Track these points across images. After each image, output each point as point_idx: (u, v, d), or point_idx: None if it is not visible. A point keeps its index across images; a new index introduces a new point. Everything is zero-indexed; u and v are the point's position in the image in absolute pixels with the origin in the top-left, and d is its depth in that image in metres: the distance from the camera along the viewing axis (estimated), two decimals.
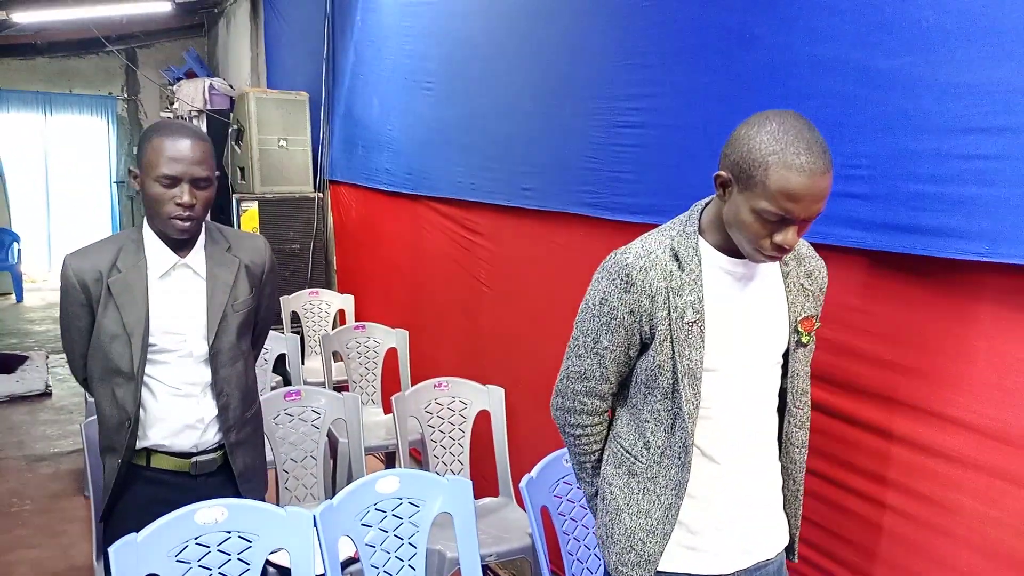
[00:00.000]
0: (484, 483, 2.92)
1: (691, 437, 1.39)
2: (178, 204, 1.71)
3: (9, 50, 8.05)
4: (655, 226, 2.18)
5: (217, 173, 1.80)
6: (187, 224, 1.74)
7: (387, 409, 3.70)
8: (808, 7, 1.68)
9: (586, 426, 1.53)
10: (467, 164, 3.23)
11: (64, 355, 1.98)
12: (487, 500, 2.82)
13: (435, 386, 2.88)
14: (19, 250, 8.48)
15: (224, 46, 7.63)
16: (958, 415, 1.49)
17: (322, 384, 3.62)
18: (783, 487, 1.52)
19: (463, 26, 3.22)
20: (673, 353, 1.37)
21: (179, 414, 1.81)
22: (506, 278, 3.10)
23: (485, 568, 2.76)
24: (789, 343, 1.44)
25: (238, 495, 1.87)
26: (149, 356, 1.78)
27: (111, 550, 1.62)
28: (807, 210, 1.24)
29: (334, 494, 2.88)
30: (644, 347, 1.42)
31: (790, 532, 1.54)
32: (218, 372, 1.83)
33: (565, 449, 2.19)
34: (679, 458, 1.40)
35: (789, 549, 1.56)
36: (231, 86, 6.11)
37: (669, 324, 1.36)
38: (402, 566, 1.99)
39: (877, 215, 1.56)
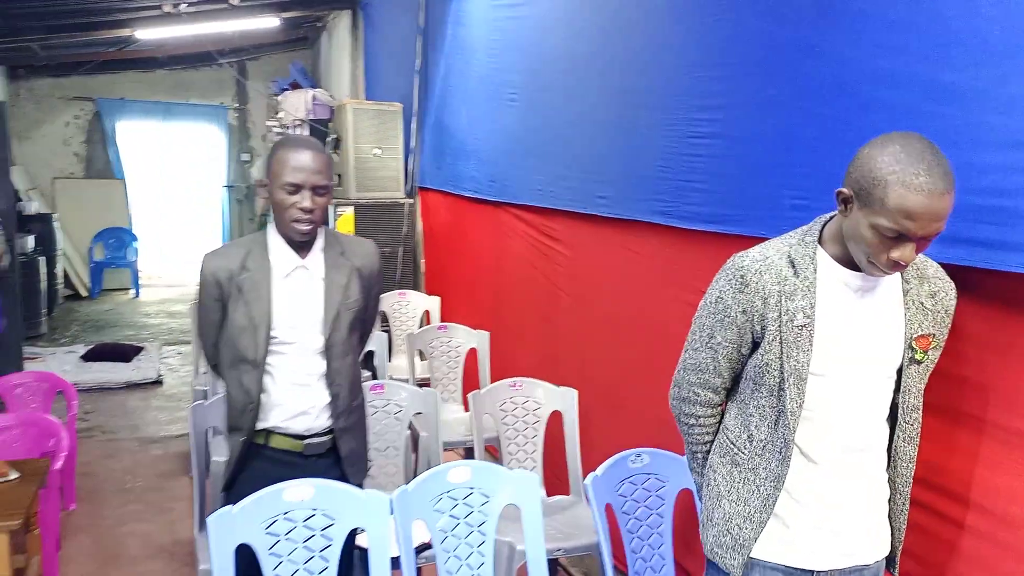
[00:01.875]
0: (556, 482, 3.01)
1: (792, 434, 1.46)
2: (300, 209, 1.92)
3: (132, 64, 8.71)
4: (725, 235, 2.23)
5: (335, 183, 2.00)
6: (308, 227, 1.94)
7: (467, 407, 3.84)
8: (874, 22, 1.70)
9: (699, 416, 1.63)
10: (546, 172, 3.34)
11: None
12: (558, 497, 2.91)
13: (511, 386, 2.99)
14: (137, 249, 9.14)
15: (326, 58, 8.02)
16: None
17: (406, 380, 3.79)
18: (889, 499, 1.55)
19: (545, 40, 3.34)
20: (781, 353, 1.45)
21: (295, 400, 2.01)
22: (582, 284, 3.19)
23: (555, 563, 2.85)
24: (904, 359, 1.48)
25: (342, 477, 2.05)
26: (271, 347, 1.98)
27: (210, 520, 1.81)
28: (924, 228, 1.29)
29: None
30: (755, 345, 1.51)
31: (892, 543, 1.58)
32: (331, 364, 2.02)
33: (632, 450, 2.27)
34: (779, 453, 1.49)
35: (890, 560, 1.59)
36: (332, 96, 6.44)
37: (779, 326, 1.45)
38: (471, 552, 2.10)
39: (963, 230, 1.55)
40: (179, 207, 9.90)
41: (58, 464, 2.95)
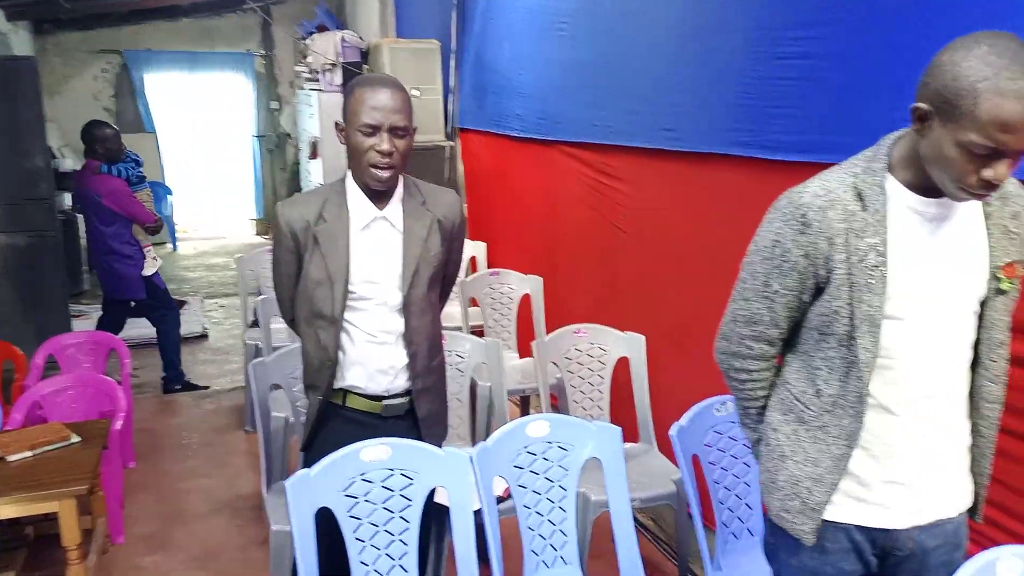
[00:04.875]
0: (623, 429, 2.91)
1: (866, 387, 1.31)
2: (378, 152, 1.77)
3: (156, 13, 8.52)
4: (818, 166, 2.05)
5: (415, 126, 1.85)
6: (387, 173, 1.80)
7: (522, 354, 3.75)
8: None
9: (752, 371, 1.47)
10: (604, 106, 3.15)
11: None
12: (629, 446, 2.80)
13: (575, 332, 2.88)
14: (172, 203, 9.10)
15: None
16: None
17: (459, 329, 3.70)
18: (972, 445, 1.41)
19: None
20: (851, 299, 1.29)
21: (374, 359, 1.90)
22: (645, 223, 3.03)
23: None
24: (988, 290, 1.33)
25: (421, 439, 1.95)
26: (349, 303, 1.87)
27: (288, 484, 1.73)
28: (1022, 142, 1.11)
29: (474, 435, 2.97)
30: (818, 291, 1.34)
31: (976, 492, 1.44)
32: (409, 322, 1.90)
33: (716, 398, 2.15)
34: (852, 408, 1.33)
35: (973, 510, 1.46)
36: (361, 38, 6.21)
37: (848, 268, 1.28)
38: (552, 507, 2.02)
39: None
40: (210, 159, 9.80)
41: (118, 425, 2.92)
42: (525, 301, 3.79)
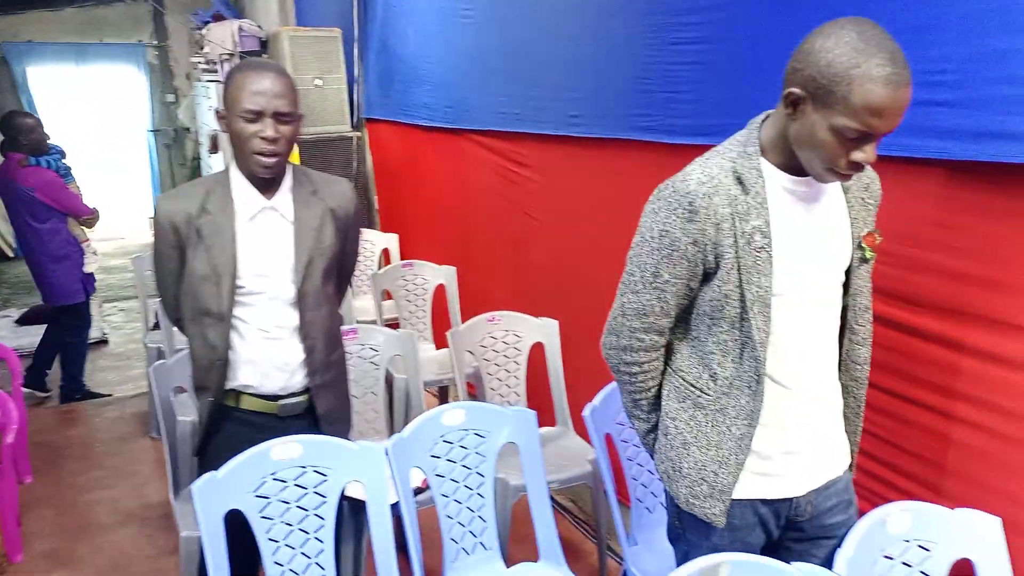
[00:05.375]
0: (540, 413, 2.94)
1: (763, 365, 1.36)
2: (262, 139, 1.71)
3: (37, 2, 8.00)
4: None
5: (301, 112, 1.79)
6: (272, 160, 1.74)
7: (439, 345, 3.73)
8: None
9: (643, 363, 1.48)
10: (510, 93, 3.15)
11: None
12: (545, 429, 2.84)
13: (489, 320, 2.88)
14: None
15: None
16: None
17: (373, 322, 3.64)
18: (844, 406, 1.50)
19: None
20: (741, 281, 1.33)
21: (267, 356, 1.83)
22: (556, 209, 3.06)
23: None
24: (853, 260, 1.41)
25: None
26: (238, 298, 1.80)
27: (194, 488, 1.67)
28: (889, 124, 1.18)
29: (392, 428, 2.94)
30: (706, 277, 1.37)
31: (851, 448, 1.53)
32: (304, 315, 1.84)
33: None
34: (749, 387, 1.38)
35: (849, 467, 1.54)
36: (259, 27, 6.02)
37: (736, 251, 1.32)
38: (471, 494, 2.02)
39: (962, 122, 1.48)
40: (103, 157, 9.30)
41: (9, 437, 2.75)
42: (440, 292, 3.77)
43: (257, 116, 1.70)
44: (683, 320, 1.45)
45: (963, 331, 1.58)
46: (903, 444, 1.71)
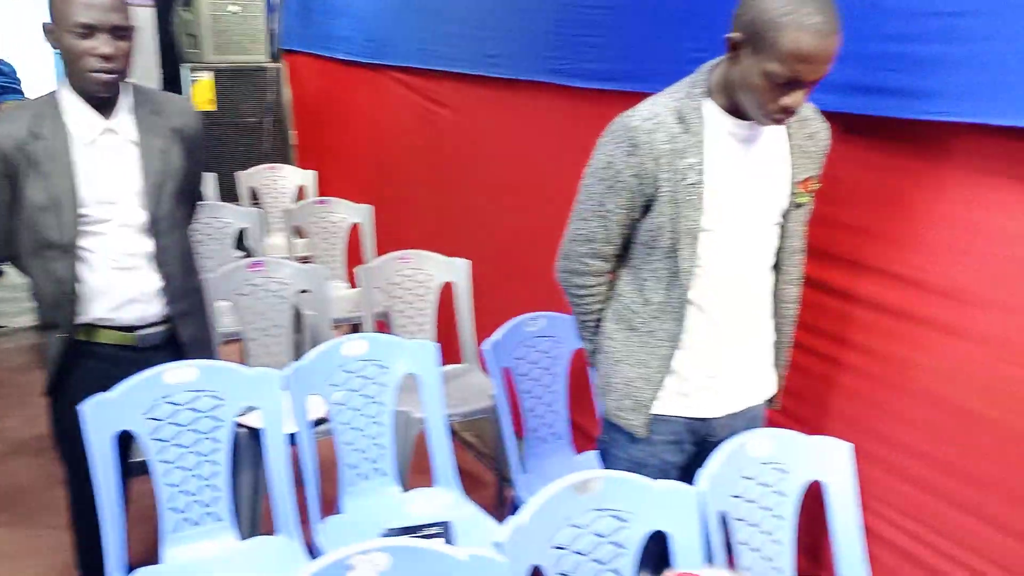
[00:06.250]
0: (449, 352, 2.97)
1: (686, 293, 1.46)
2: (97, 56, 1.61)
3: None
4: (625, 94, 2.15)
5: (137, 24, 1.69)
6: (109, 78, 1.64)
7: (352, 284, 3.71)
8: None
9: (591, 286, 1.58)
10: (430, 30, 3.11)
11: None
12: (451, 367, 2.89)
13: (399, 259, 2.89)
14: None
15: None
16: (920, 277, 1.55)
17: (285, 259, 3.59)
18: (775, 342, 1.60)
19: None
20: (674, 214, 1.41)
21: (121, 287, 1.77)
22: (471, 151, 3.06)
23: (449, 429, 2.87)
24: (789, 204, 1.49)
25: None
26: (83, 228, 1.71)
27: (85, 407, 1.64)
28: (816, 72, 1.26)
29: None
30: (646, 209, 1.45)
31: (778, 383, 1.64)
32: (159, 241, 1.78)
33: (528, 314, 2.25)
34: (675, 313, 1.48)
35: (772, 399, 1.66)
36: None
37: (672, 186, 1.40)
38: (369, 422, 2.05)
39: (846, 76, 1.54)
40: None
41: None
42: (355, 231, 3.74)
43: (91, 31, 1.59)
44: (626, 248, 1.55)
45: (855, 281, 1.67)
46: (797, 390, 1.80)
